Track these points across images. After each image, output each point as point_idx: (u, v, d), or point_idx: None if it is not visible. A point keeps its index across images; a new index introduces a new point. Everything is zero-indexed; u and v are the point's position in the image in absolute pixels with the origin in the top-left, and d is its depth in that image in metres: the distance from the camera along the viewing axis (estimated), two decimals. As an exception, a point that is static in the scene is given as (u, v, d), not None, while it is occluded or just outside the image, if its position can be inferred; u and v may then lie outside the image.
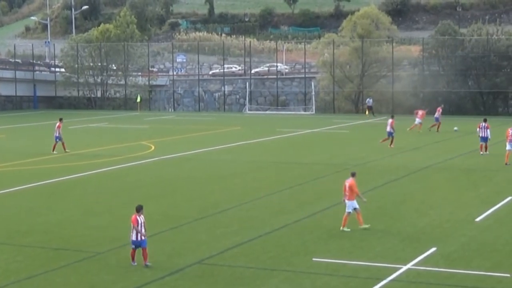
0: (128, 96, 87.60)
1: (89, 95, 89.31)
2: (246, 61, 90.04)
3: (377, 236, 22.72)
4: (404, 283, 18.27)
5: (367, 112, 73.23)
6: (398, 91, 76.09)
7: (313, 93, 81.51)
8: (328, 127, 61.44)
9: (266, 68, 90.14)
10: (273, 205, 27.83)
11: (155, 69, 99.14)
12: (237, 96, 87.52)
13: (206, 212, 26.52)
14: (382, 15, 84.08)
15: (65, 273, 19.29)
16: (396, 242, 22.09)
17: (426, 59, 77.89)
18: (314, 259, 20.29)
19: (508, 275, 18.71)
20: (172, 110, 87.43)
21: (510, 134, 37.24)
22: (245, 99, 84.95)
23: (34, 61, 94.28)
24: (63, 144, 43.80)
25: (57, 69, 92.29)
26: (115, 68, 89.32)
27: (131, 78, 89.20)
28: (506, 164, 37.11)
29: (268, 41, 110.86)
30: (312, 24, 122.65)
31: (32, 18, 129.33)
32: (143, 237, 19.54)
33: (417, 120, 53.83)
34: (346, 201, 23.37)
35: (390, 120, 45.97)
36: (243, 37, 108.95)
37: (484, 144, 41.31)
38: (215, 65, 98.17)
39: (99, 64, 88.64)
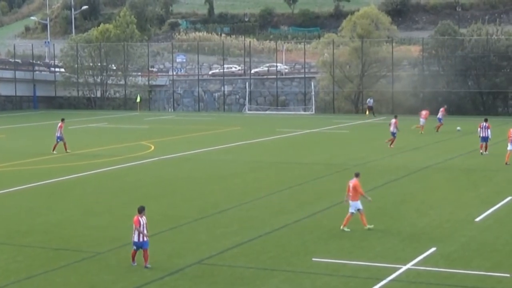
0: (128, 96, 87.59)
1: (89, 95, 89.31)
2: (246, 61, 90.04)
3: (377, 236, 22.72)
4: (404, 283, 18.27)
5: (367, 112, 73.22)
6: (398, 91, 76.12)
7: (313, 93, 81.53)
8: (328, 127, 61.44)
9: (266, 68, 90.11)
10: (273, 205, 27.83)
11: (155, 69, 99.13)
12: (237, 96, 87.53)
13: (206, 212, 26.51)
14: (382, 15, 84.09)
15: (65, 273, 19.29)
16: (396, 242, 22.09)
17: (426, 59, 77.89)
18: (314, 259, 20.29)
19: (508, 275, 18.71)
20: (172, 110, 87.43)
21: (512, 134, 37.27)
22: (245, 99, 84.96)
23: (34, 61, 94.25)
24: (64, 144, 43.79)
25: (57, 69, 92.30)
26: (115, 68, 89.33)
27: (131, 78, 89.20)
28: (506, 163, 37.12)
29: (268, 41, 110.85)
30: (312, 24, 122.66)
31: (32, 18, 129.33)
32: (145, 238, 19.52)
33: (422, 121, 53.81)
34: (350, 201, 23.36)
35: (393, 120, 45.93)
36: (243, 37, 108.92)
37: (484, 144, 41.33)
38: (215, 65, 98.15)
39: (99, 64, 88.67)
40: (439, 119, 54.78)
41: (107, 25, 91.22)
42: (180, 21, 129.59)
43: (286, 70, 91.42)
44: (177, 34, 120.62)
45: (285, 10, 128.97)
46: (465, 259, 20.29)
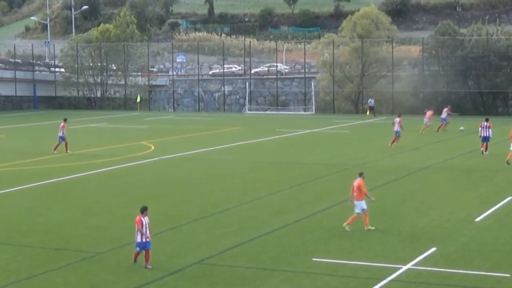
0: (128, 96, 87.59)
1: (89, 95, 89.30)
2: (246, 61, 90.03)
3: (377, 236, 22.72)
4: (404, 283, 18.27)
5: (367, 112, 73.19)
6: (398, 91, 76.10)
7: (313, 93, 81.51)
8: (328, 127, 61.44)
9: (266, 68, 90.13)
10: (273, 205, 27.83)
11: (155, 69, 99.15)
12: (237, 96, 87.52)
13: (206, 212, 26.52)
14: (382, 15, 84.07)
15: (65, 273, 19.29)
16: (396, 242, 22.09)
17: (426, 59, 77.86)
18: (314, 259, 20.29)
19: (508, 275, 18.71)
20: (172, 110, 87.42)
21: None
22: (245, 99, 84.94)
23: (34, 61, 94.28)
24: (66, 144, 43.78)
25: (57, 69, 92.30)
26: (115, 68, 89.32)
27: (131, 78, 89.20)
28: (507, 162, 37.02)
29: (268, 41, 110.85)
30: (312, 24, 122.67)
31: (32, 18, 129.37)
32: (147, 239, 19.50)
33: (426, 121, 53.76)
34: (355, 201, 23.34)
35: (397, 119, 45.76)
36: (243, 37, 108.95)
37: (485, 143, 41.31)
38: (215, 65, 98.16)
39: (99, 64, 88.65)
40: (443, 119, 54.69)
41: (107, 25, 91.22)
42: (180, 21, 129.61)
43: (286, 70, 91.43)
44: (177, 34, 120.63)
45: (285, 10, 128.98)
46: (465, 259, 20.30)
